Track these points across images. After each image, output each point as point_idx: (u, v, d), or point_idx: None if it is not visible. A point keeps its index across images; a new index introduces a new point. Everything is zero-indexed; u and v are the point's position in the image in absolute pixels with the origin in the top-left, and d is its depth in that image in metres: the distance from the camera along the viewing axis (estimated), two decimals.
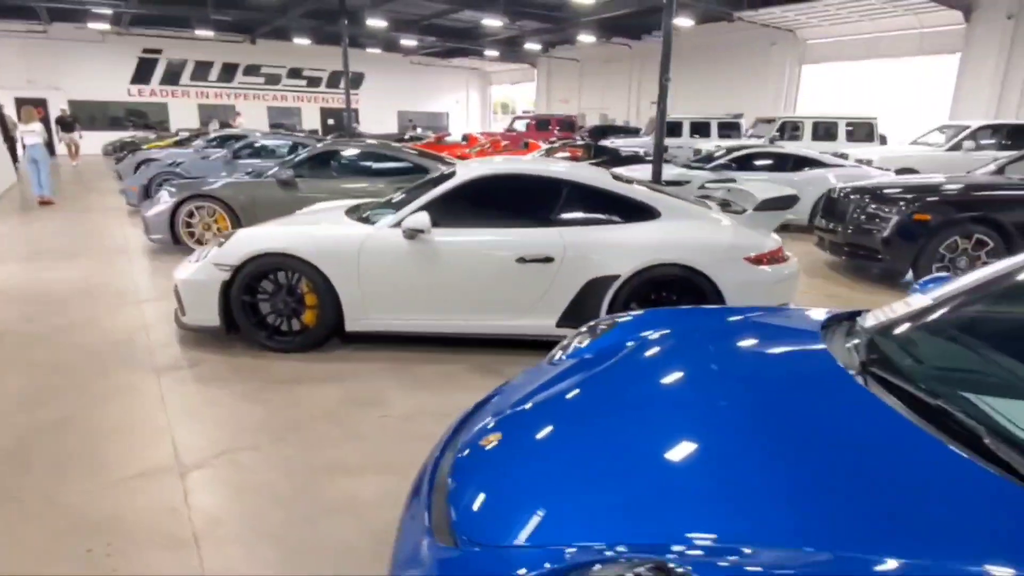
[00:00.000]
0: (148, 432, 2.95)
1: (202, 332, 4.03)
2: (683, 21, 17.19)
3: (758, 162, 9.08)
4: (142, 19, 22.21)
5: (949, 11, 14.47)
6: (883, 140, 14.93)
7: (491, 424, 1.67)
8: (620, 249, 3.74)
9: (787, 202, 3.87)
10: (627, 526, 1.14)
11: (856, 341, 1.71)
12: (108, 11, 20.17)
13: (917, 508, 1.06)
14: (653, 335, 1.99)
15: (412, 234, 3.75)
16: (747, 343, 1.93)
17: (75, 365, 3.73)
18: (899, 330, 1.70)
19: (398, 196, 4.58)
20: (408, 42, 25.47)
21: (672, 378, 1.71)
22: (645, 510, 1.18)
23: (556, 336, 3.87)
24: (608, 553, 1.07)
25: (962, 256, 5.54)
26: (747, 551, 1.00)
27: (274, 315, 3.95)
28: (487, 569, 1.16)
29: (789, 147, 10.36)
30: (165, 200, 6.57)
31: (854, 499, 1.09)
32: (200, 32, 23.49)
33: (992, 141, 11.65)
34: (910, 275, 5.81)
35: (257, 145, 10.23)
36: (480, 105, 34.86)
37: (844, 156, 10.52)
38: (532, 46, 25.13)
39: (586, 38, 21.25)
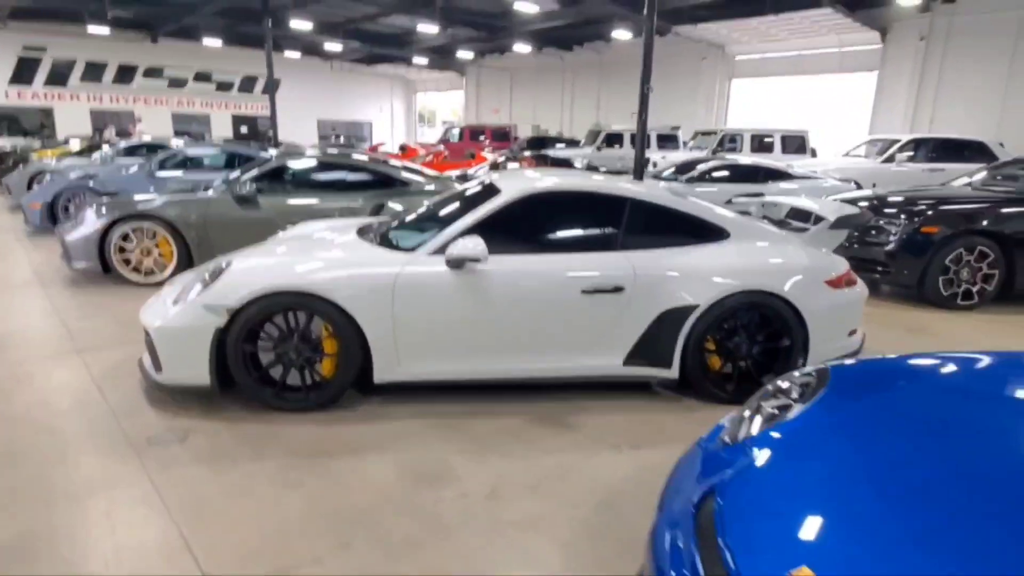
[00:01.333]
0: (157, 553, 2.14)
1: (184, 392, 3.18)
2: (622, 34, 17.36)
3: (717, 174, 9.06)
4: (23, 11, 19.64)
5: (867, 31, 15.43)
6: (813, 153, 15.68)
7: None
8: (696, 275, 3.29)
9: (861, 219, 3.58)
10: None
11: None
12: None
13: None
14: (895, 398, 1.57)
15: (460, 263, 3.12)
16: None
17: (18, 451, 2.78)
18: None
19: (413, 214, 3.91)
20: (332, 47, 24.23)
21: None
22: None
23: (621, 376, 3.37)
24: None
25: (964, 268, 5.57)
26: None
27: (281, 366, 3.18)
28: None
29: (763, 160, 10.43)
30: (92, 221, 5.46)
31: None
32: (93, 28, 21.11)
33: (911, 153, 12.38)
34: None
35: (184, 156, 9.02)
36: (404, 114, 33.89)
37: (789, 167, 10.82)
38: (464, 54, 24.65)
39: (522, 48, 21.04)
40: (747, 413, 1.74)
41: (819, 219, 4.10)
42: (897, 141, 12.57)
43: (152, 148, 11.47)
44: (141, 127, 20.36)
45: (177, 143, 11.28)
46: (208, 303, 3.00)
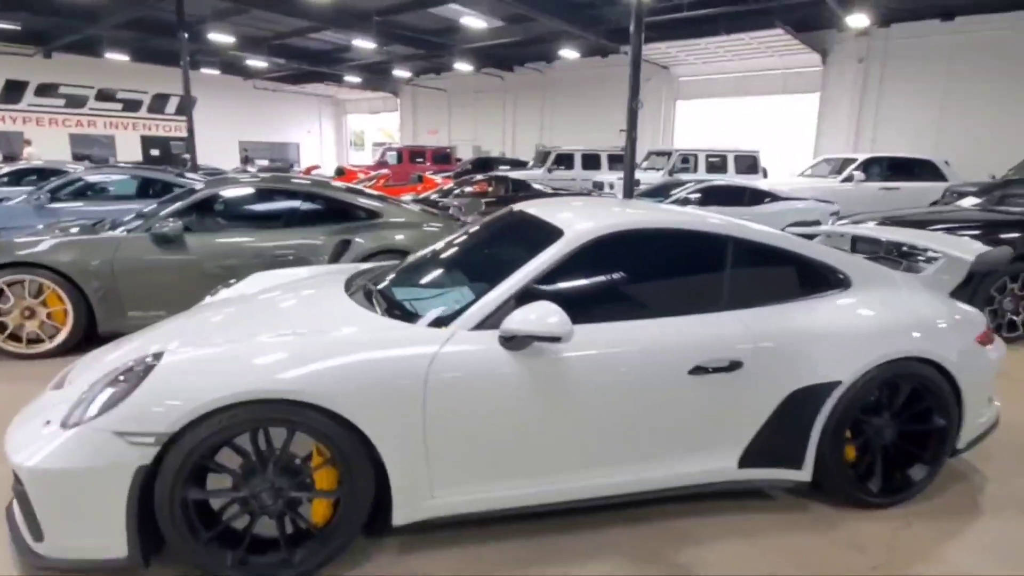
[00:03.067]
0: None
1: (80, 571, 1.94)
2: (569, 53, 16.87)
3: (693, 196, 8.46)
4: None
5: (808, 54, 15.63)
6: (764, 173, 15.65)
7: None
8: (831, 339, 2.42)
9: (1002, 257, 2.84)
10: None
11: None
12: None
13: None
14: None
15: (524, 342, 2.09)
16: None
17: None
18: None
19: (418, 263, 2.86)
20: (254, 63, 22.51)
21: None
22: None
23: (736, 483, 2.43)
24: None
25: (1008, 296, 5.07)
26: None
27: (244, 515, 2.02)
28: None
29: (748, 180, 9.91)
30: None
31: None
32: None
33: (864, 173, 12.38)
34: None
35: (84, 183, 7.46)
36: (334, 136, 32.21)
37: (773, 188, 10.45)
38: (400, 73, 23.54)
39: (462, 67, 20.20)
40: None
41: (905, 254, 3.38)
42: (852, 160, 12.57)
43: (44, 173, 9.68)
44: (31, 150, 17.77)
45: (74, 167, 9.56)
46: (123, 428, 1.82)
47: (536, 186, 12.49)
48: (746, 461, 2.41)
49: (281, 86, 27.90)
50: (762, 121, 17.79)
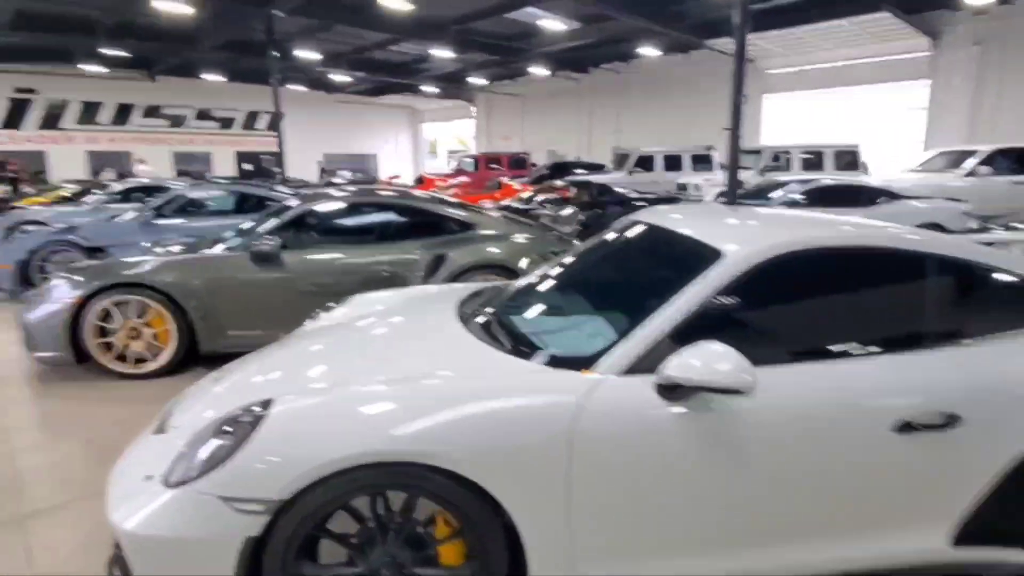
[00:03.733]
0: None
1: None
2: (649, 51, 16.26)
3: (799, 198, 7.69)
4: (11, 51, 18.63)
5: (915, 38, 14.28)
6: (865, 168, 14.40)
7: None
8: None
9: None
10: None
11: None
12: None
13: None
14: None
15: (689, 392, 1.71)
16: None
17: None
18: None
19: (532, 286, 2.53)
20: (338, 78, 23.23)
21: None
22: None
23: (947, 566, 1.93)
24: None
25: None
26: None
27: None
28: None
29: (865, 179, 9.04)
30: (60, 294, 4.07)
31: None
32: (86, 67, 20.07)
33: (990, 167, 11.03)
34: None
35: (186, 199, 7.69)
36: (411, 144, 32.86)
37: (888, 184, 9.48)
38: (475, 80, 23.61)
39: (538, 70, 19.96)
40: None
41: None
42: (973, 152, 11.27)
43: (150, 191, 10.18)
44: (144, 167, 19.04)
45: (176, 184, 9.99)
46: (230, 493, 1.59)
47: (618, 190, 12.00)
48: (965, 538, 1.91)
49: (361, 99, 28.72)
50: (858, 114, 16.43)
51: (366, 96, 28.47)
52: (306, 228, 4.60)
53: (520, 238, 4.84)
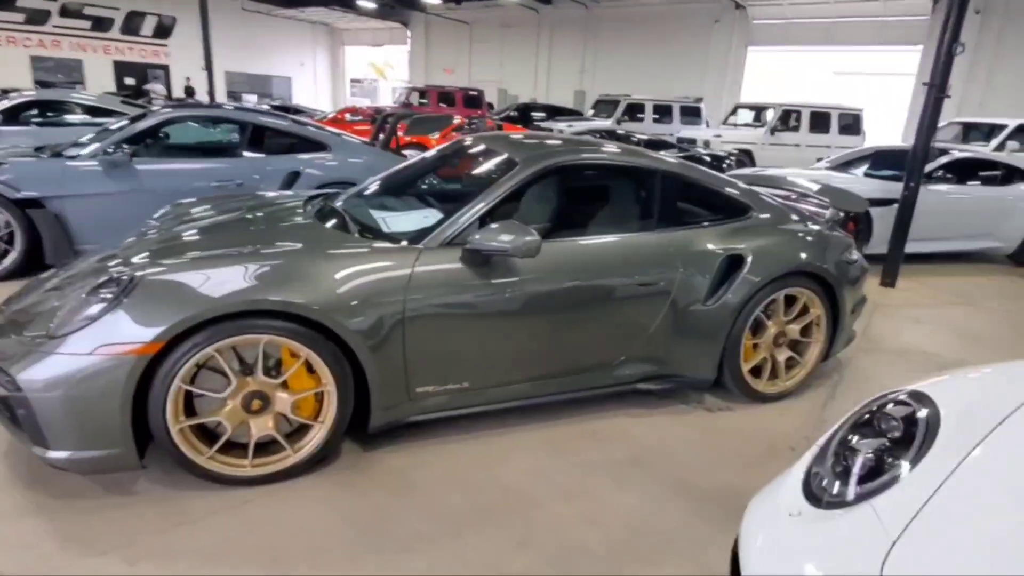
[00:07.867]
0: None
1: None
2: None
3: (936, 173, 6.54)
4: None
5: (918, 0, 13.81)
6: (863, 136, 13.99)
7: None
8: None
9: None
10: None
11: None
12: None
13: None
14: None
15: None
16: None
17: None
18: None
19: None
20: None
21: None
22: None
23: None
24: None
25: None
26: None
27: None
28: None
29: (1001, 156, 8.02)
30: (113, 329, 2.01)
31: None
32: None
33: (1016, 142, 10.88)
34: None
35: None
36: (328, 70, 28.95)
37: None
38: None
39: None
40: None
41: None
42: (1001, 126, 10.96)
43: (42, 107, 7.18)
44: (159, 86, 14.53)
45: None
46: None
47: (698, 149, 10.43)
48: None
49: (274, 9, 24.48)
50: (849, 75, 16.04)
51: (279, 6, 24.29)
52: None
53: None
